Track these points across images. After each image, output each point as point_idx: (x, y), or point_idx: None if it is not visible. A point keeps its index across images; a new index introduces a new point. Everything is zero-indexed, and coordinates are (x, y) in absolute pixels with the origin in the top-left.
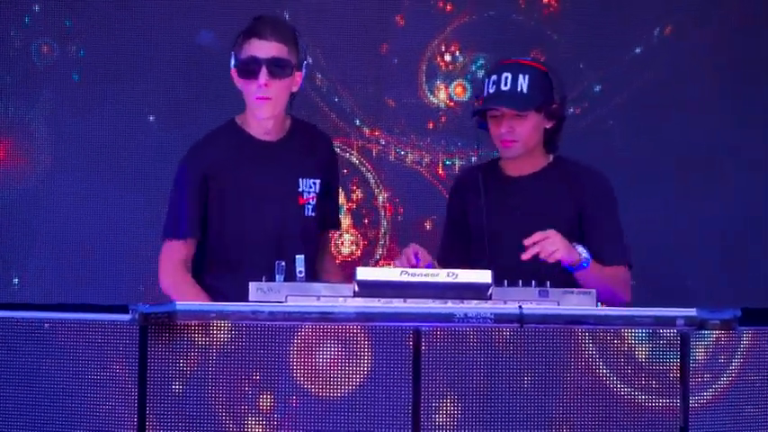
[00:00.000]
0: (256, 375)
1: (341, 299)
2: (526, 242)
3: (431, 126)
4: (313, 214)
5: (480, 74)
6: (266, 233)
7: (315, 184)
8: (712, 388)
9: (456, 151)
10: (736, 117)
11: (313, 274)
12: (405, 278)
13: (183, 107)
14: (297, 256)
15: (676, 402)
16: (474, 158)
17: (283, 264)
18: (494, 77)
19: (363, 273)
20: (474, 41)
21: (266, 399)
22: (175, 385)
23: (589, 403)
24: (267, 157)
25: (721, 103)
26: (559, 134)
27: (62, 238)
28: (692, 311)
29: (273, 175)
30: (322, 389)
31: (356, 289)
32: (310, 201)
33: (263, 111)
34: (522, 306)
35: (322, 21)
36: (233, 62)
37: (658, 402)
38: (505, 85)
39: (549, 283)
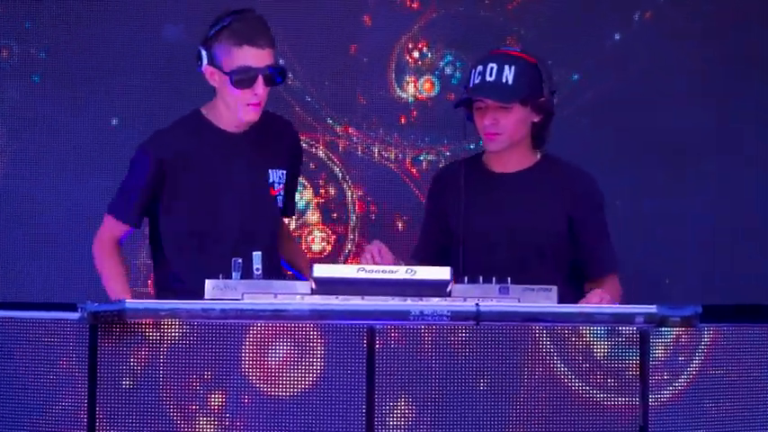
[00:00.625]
0: (207, 374)
1: (298, 296)
2: None
3: (401, 122)
4: (281, 206)
5: (449, 70)
6: (240, 226)
7: (283, 174)
8: (672, 386)
9: (424, 147)
10: (726, 112)
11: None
12: (362, 275)
13: (147, 109)
14: (254, 253)
15: (636, 401)
16: (447, 153)
17: (240, 261)
18: (479, 68)
19: (320, 270)
20: (442, 38)
21: (217, 397)
22: (126, 384)
23: (547, 402)
24: (236, 149)
25: (709, 98)
26: (548, 129)
27: (22, 237)
28: (651, 308)
29: (244, 167)
30: (274, 388)
31: (313, 286)
32: (280, 192)
33: (254, 116)
34: (480, 303)
35: (291, 24)
36: (206, 60)
37: (618, 401)
38: (490, 75)
39: (509, 279)
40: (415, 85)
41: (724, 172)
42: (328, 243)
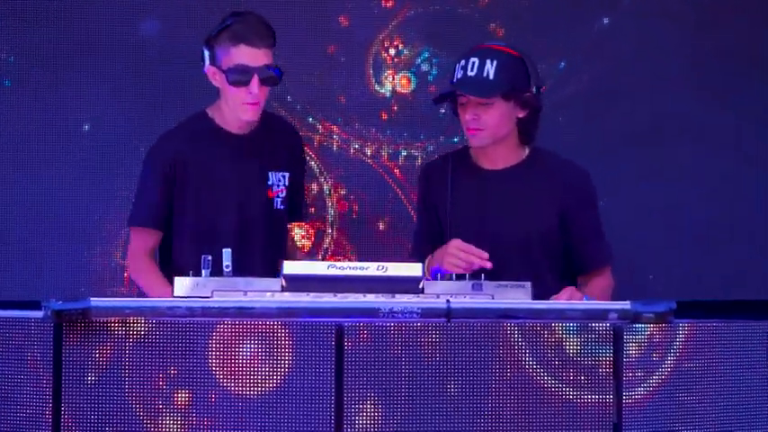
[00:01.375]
0: (174, 372)
1: (268, 294)
2: None
3: (381, 119)
4: (282, 207)
5: (425, 66)
6: (234, 226)
7: (284, 177)
8: (647, 383)
9: (402, 142)
10: (719, 105)
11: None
12: (332, 272)
13: (120, 114)
14: (224, 250)
15: (609, 398)
16: (430, 148)
17: (210, 258)
18: (462, 62)
19: (290, 267)
20: (418, 35)
21: (183, 395)
22: (91, 382)
23: (519, 401)
24: (238, 150)
25: (704, 91)
26: (535, 125)
27: None
28: (625, 304)
29: (244, 167)
30: (241, 386)
31: (284, 284)
32: (279, 194)
33: (252, 115)
34: (450, 300)
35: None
36: (209, 61)
37: (591, 398)
38: (472, 70)
39: (483, 276)
40: (392, 82)
41: (717, 164)
42: (308, 239)
